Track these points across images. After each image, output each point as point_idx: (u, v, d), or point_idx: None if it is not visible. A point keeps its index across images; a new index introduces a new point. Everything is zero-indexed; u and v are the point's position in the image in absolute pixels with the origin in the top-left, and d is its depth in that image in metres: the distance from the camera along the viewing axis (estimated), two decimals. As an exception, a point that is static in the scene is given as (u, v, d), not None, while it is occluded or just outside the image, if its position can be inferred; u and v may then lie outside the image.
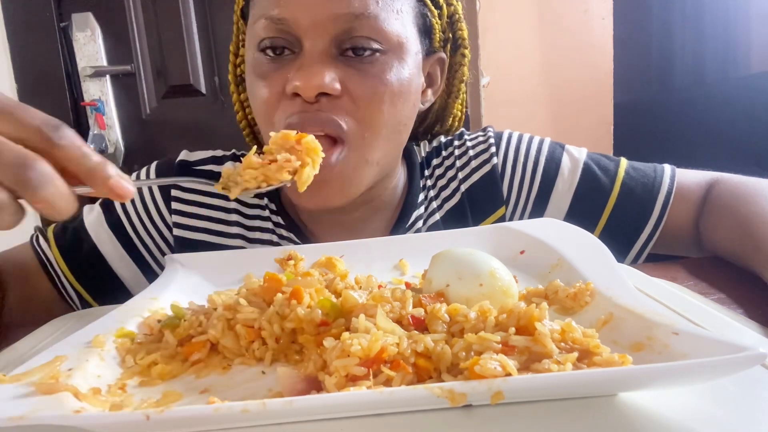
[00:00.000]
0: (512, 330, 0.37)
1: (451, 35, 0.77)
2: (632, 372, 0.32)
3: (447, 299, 0.45)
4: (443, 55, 0.77)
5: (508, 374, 0.33)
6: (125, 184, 0.42)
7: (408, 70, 0.67)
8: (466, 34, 0.78)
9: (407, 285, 0.54)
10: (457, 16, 0.76)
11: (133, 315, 0.49)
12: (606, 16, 1.75)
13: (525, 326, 0.38)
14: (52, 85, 1.91)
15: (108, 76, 1.93)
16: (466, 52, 0.79)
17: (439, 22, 0.73)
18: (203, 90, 1.96)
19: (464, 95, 0.83)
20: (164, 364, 0.43)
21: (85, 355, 0.41)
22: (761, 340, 0.41)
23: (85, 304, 0.78)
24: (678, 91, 1.78)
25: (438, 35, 0.74)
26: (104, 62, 1.93)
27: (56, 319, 0.59)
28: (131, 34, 1.92)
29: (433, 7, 0.72)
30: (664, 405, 0.33)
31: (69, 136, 0.40)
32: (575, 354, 0.35)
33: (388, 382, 0.35)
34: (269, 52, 0.66)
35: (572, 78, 1.78)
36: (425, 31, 0.71)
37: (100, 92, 1.93)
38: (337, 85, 0.63)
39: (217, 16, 1.92)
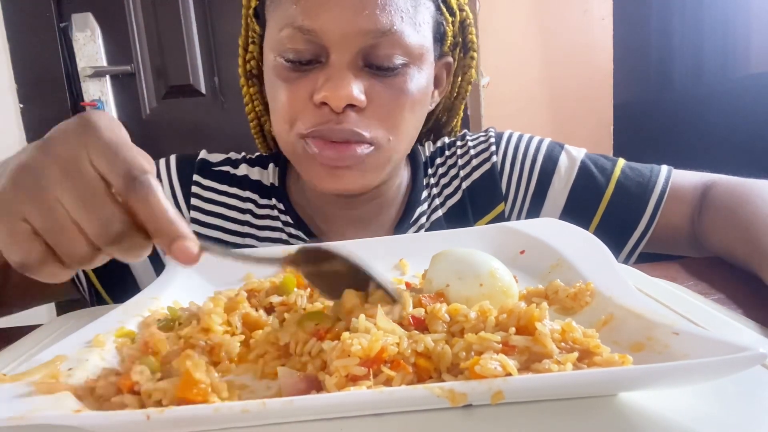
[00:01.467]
0: (512, 330, 0.37)
1: (461, 39, 0.80)
2: (632, 372, 0.32)
3: (447, 299, 0.45)
4: (450, 59, 0.79)
5: (509, 374, 0.33)
6: (189, 249, 0.39)
7: (425, 78, 0.70)
8: (475, 38, 0.81)
9: (407, 285, 0.54)
10: (468, 21, 0.79)
11: (133, 315, 0.49)
12: (606, 16, 1.75)
13: (525, 326, 0.38)
14: (52, 85, 1.91)
15: (108, 77, 1.93)
16: (475, 55, 0.82)
17: (451, 28, 0.76)
18: (203, 90, 1.95)
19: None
20: (164, 364, 0.42)
21: (85, 354, 0.41)
22: (761, 340, 0.41)
23: (91, 287, 0.77)
24: (678, 91, 1.78)
25: (449, 40, 0.76)
26: (104, 62, 1.92)
27: (56, 319, 0.59)
28: (131, 34, 1.91)
29: (448, 15, 0.74)
30: (664, 405, 0.33)
31: (146, 188, 0.39)
32: (575, 354, 0.35)
33: (388, 382, 0.35)
34: (292, 56, 0.66)
35: (572, 78, 1.78)
36: (439, 38, 0.74)
37: (100, 92, 1.93)
38: (363, 98, 0.65)
39: (217, 16, 1.92)
